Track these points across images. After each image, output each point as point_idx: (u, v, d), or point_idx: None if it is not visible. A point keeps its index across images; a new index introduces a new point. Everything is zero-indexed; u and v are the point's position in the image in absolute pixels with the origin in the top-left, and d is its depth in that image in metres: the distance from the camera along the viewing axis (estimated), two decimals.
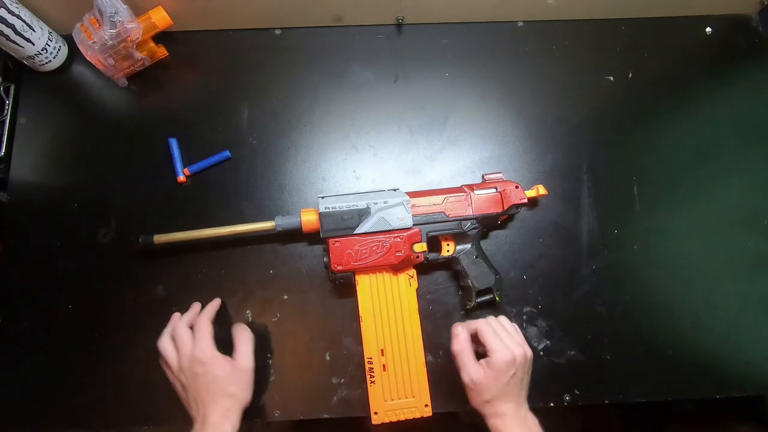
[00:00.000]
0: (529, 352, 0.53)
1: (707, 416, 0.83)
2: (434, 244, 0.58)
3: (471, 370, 0.51)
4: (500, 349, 0.51)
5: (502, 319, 0.55)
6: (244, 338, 0.54)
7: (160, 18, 0.59)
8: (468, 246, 0.57)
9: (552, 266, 0.61)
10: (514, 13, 0.67)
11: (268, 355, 0.58)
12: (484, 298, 0.56)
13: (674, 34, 0.68)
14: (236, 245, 0.60)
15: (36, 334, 0.58)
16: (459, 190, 0.58)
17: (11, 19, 0.55)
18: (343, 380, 0.57)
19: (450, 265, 0.59)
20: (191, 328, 0.53)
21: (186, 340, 0.52)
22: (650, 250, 0.61)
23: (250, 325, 0.58)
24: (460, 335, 0.53)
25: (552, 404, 0.58)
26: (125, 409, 0.56)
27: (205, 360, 0.51)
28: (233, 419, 0.51)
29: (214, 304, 0.57)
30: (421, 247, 0.55)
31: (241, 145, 0.63)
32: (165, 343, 0.53)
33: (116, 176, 0.62)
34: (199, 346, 0.51)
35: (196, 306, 0.56)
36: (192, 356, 0.51)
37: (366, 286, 0.55)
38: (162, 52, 0.64)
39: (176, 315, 0.55)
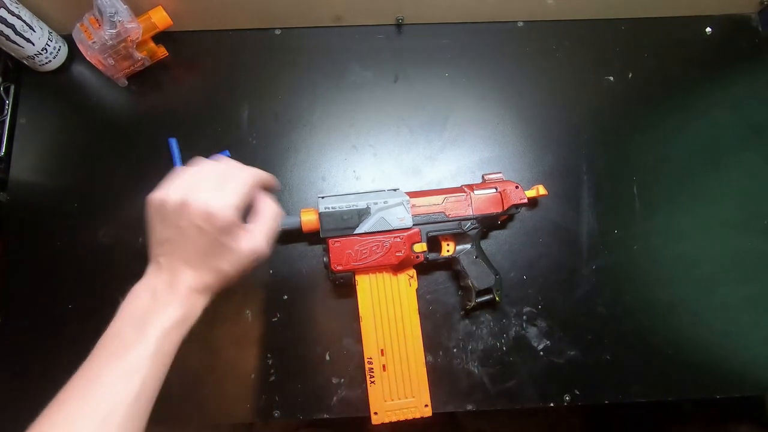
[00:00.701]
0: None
1: (707, 416, 0.83)
2: (434, 244, 0.58)
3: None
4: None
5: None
6: (267, 213, 0.41)
7: (160, 18, 0.59)
8: (468, 246, 0.57)
9: (552, 266, 0.61)
10: (514, 13, 0.67)
11: (268, 355, 0.58)
12: (484, 298, 0.56)
13: (674, 34, 0.68)
14: None
15: (36, 334, 0.58)
16: (459, 190, 0.58)
17: (11, 19, 0.55)
18: (342, 380, 0.57)
19: (450, 265, 0.59)
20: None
21: (214, 176, 0.38)
22: (650, 250, 0.61)
23: (250, 325, 0.58)
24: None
25: (552, 404, 0.58)
26: None
27: (217, 221, 0.37)
28: (207, 298, 0.40)
29: (273, 181, 0.43)
30: (421, 247, 0.55)
31: (241, 145, 0.63)
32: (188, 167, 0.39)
33: (116, 176, 0.62)
34: (222, 200, 0.37)
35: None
36: (205, 205, 0.37)
37: (366, 286, 0.55)
38: (162, 52, 0.64)
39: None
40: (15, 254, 0.60)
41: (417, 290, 0.56)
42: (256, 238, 0.40)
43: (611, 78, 0.66)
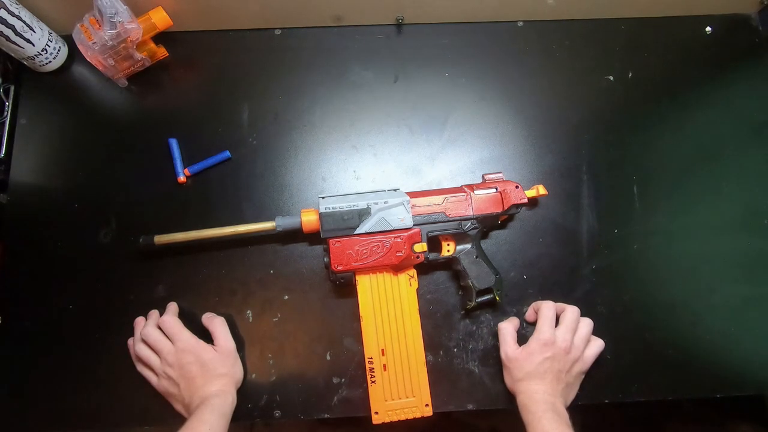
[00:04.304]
0: (576, 353, 0.53)
1: (707, 416, 0.83)
2: (434, 244, 0.58)
3: (508, 347, 0.54)
4: (544, 330, 0.53)
5: (572, 310, 0.55)
6: (217, 323, 0.56)
7: (160, 18, 0.59)
8: (468, 246, 0.57)
9: (552, 266, 0.61)
10: (514, 13, 0.67)
11: (269, 355, 0.58)
12: (484, 298, 0.57)
13: (674, 34, 0.68)
14: (237, 245, 0.60)
15: (36, 334, 0.58)
16: (459, 190, 0.58)
17: (11, 20, 0.55)
18: (343, 380, 0.57)
19: (450, 265, 0.59)
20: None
21: (162, 338, 0.53)
22: (650, 250, 0.61)
23: (251, 325, 0.58)
24: (514, 319, 0.57)
25: None
26: (125, 409, 0.56)
27: (191, 348, 0.53)
28: (230, 396, 0.53)
29: (172, 305, 0.58)
30: (421, 247, 0.55)
31: (242, 145, 0.63)
32: (142, 348, 0.54)
33: (116, 176, 0.62)
34: (180, 339, 0.53)
35: (155, 312, 0.57)
36: (177, 349, 0.52)
37: (366, 286, 0.55)
38: (162, 52, 0.64)
39: (140, 320, 0.56)
40: (15, 254, 0.60)
41: (417, 290, 0.56)
42: (220, 340, 0.55)
43: (611, 78, 0.66)
